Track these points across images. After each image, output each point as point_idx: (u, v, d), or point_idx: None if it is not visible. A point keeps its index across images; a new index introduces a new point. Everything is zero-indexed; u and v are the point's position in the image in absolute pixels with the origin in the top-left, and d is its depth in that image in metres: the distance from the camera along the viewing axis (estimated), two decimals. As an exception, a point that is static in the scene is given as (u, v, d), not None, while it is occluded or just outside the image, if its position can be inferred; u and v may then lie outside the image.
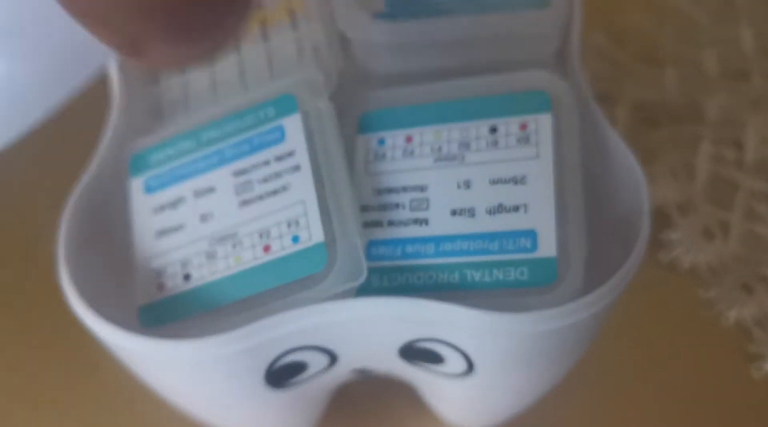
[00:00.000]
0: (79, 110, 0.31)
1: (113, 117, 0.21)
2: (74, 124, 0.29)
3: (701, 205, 0.28)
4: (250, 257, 0.18)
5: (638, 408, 0.24)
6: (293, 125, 0.19)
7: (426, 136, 0.19)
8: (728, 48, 0.33)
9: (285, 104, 0.19)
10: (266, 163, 0.18)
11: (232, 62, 0.21)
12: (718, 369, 0.25)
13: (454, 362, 0.18)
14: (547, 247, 0.17)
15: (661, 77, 0.32)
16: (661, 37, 0.34)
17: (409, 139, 0.19)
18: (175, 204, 0.19)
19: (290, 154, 0.18)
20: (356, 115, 0.20)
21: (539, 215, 0.17)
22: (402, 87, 0.20)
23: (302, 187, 0.18)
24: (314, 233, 0.17)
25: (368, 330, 0.17)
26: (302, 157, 0.18)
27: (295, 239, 0.17)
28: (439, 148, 0.18)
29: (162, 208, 0.19)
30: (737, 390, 0.25)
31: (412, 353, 0.18)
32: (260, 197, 0.18)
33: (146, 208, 0.19)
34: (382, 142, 0.19)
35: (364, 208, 0.18)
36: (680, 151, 0.30)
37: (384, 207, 0.18)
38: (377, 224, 0.18)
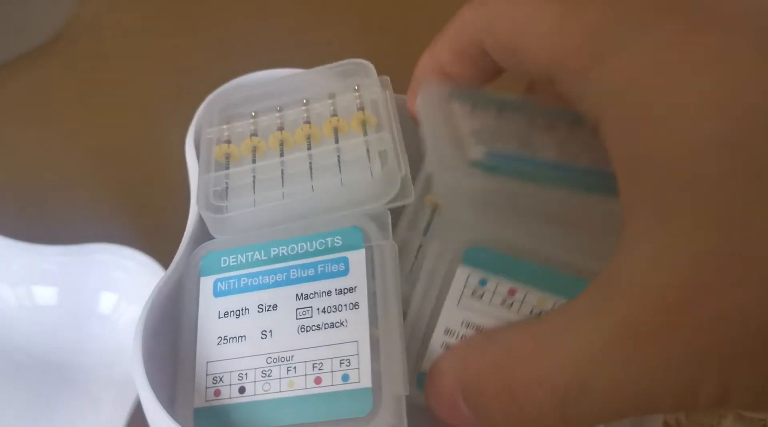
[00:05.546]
0: None
1: (191, 221, 0.22)
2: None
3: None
4: (302, 384, 0.19)
5: None
6: (357, 261, 0.20)
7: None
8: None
9: (352, 237, 0.20)
10: (328, 293, 0.20)
11: (302, 157, 0.22)
12: None
13: None
14: None
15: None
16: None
17: (512, 292, 0.20)
18: (238, 314, 0.20)
19: (351, 289, 0.20)
20: (462, 247, 0.20)
21: None
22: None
23: (358, 327, 0.19)
24: (363, 377, 0.19)
25: None
26: (362, 296, 0.19)
27: (345, 378, 0.19)
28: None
29: (226, 314, 0.21)
30: None
31: None
32: (318, 327, 0.20)
33: (212, 311, 0.21)
34: (483, 282, 0.20)
35: (447, 332, 0.20)
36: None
37: None
38: None
